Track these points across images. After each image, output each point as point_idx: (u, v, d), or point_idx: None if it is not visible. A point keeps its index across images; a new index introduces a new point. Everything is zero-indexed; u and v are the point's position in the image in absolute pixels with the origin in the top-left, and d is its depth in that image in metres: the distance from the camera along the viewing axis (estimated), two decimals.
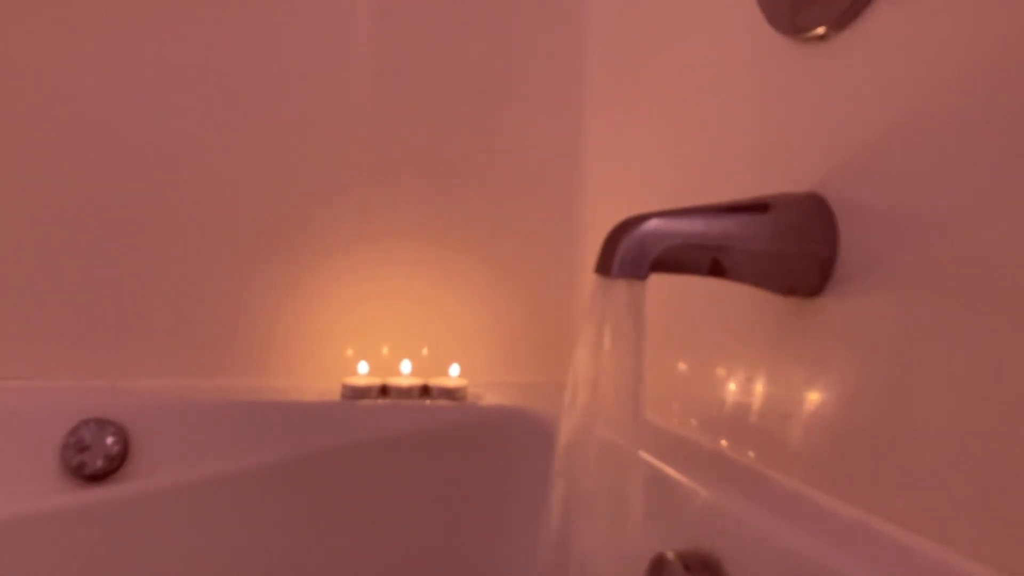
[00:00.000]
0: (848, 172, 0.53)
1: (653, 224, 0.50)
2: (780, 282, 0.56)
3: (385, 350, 1.09)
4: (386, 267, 1.10)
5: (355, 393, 0.98)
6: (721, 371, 0.69)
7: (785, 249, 0.54)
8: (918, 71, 0.48)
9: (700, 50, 0.76)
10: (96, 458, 0.89)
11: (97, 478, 0.89)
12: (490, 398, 1.01)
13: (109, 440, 0.89)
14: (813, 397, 0.56)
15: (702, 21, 0.76)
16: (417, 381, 1.01)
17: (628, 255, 0.49)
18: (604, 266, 0.50)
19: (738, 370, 0.66)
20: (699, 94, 0.77)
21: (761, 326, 0.63)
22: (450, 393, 0.99)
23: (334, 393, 0.99)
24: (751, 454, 0.63)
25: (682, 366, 0.76)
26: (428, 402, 0.98)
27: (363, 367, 1.05)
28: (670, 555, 0.56)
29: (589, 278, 0.56)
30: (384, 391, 1.00)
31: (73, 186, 1.02)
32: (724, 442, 0.67)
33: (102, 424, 0.90)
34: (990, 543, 0.41)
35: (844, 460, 0.52)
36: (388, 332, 1.09)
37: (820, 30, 0.56)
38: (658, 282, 0.51)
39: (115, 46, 1.02)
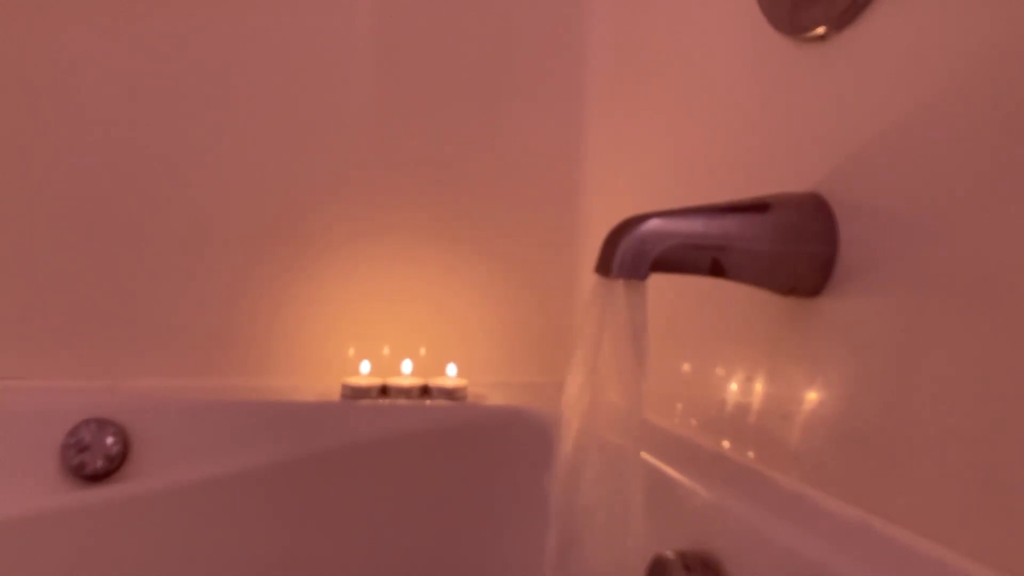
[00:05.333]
0: (848, 172, 0.53)
1: (653, 224, 0.50)
2: (780, 282, 0.56)
3: (386, 350, 1.09)
4: (386, 267, 1.10)
5: (355, 393, 0.98)
6: (721, 371, 0.69)
7: (785, 249, 0.54)
8: (918, 71, 0.48)
9: (700, 50, 0.76)
10: (96, 458, 0.89)
11: (97, 478, 0.89)
12: (490, 398, 1.01)
13: (109, 440, 0.89)
14: (813, 397, 0.56)
15: (702, 21, 0.76)
16: (417, 381, 1.01)
17: (628, 255, 0.49)
18: (604, 266, 0.50)
19: (738, 370, 0.66)
20: (699, 94, 0.77)
21: (761, 326, 0.63)
22: (450, 393, 0.99)
23: (334, 393, 0.99)
24: (751, 454, 0.63)
25: (682, 366, 0.76)
26: (428, 402, 0.98)
27: (365, 366, 1.05)
28: (670, 555, 0.56)
29: (589, 278, 0.56)
30: (384, 391, 1.00)
31: (73, 186, 1.02)
32: (726, 443, 0.67)
33: (102, 424, 0.90)
34: (990, 543, 0.41)
35: (844, 460, 0.52)
36: (388, 332, 1.09)
37: (820, 30, 0.56)
38: (658, 282, 0.51)
39: (114, 46, 1.02)
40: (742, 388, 0.65)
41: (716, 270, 0.52)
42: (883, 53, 0.51)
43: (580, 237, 1.12)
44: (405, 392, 0.99)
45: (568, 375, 0.51)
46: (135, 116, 1.03)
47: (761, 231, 0.53)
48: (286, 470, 0.92)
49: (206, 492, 0.90)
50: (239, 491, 0.91)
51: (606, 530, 0.50)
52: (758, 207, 0.54)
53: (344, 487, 0.94)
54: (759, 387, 0.63)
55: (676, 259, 0.51)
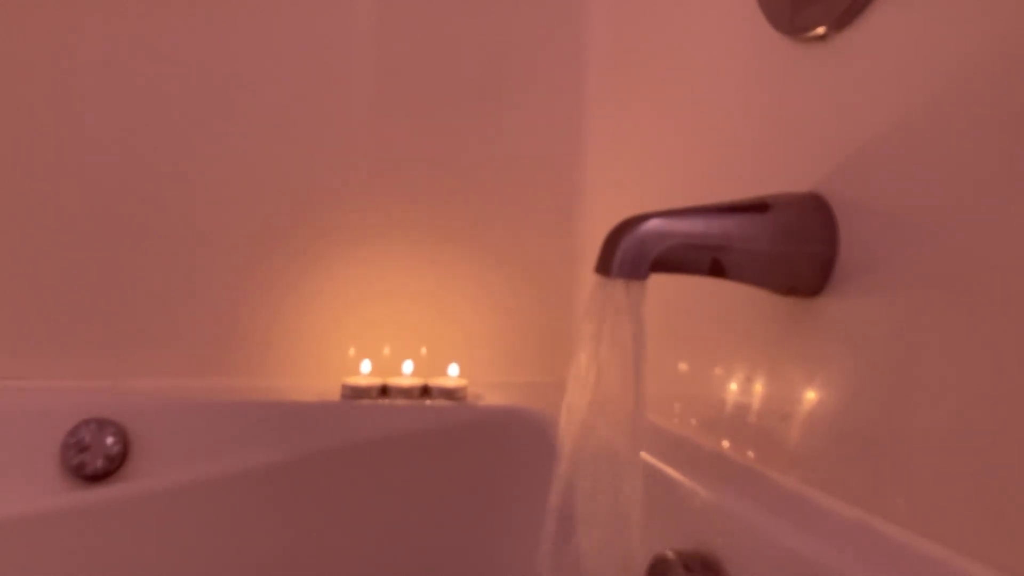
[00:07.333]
0: (848, 172, 0.53)
1: (653, 224, 0.50)
2: (780, 282, 0.56)
3: (386, 350, 1.09)
4: (386, 267, 1.10)
5: (355, 393, 0.98)
6: (721, 371, 0.69)
7: (785, 249, 0.53)
8: (918, 71, 0.48)
9: (700, 50, 0.76)
10: (96, 458, 0.89)
11: (97, 478, 0.89)
12: (490, 398, 1.01)
13: (109, 440, 0.89)
14: (813, 397, 0.56)
15: (702, 21, 0.76)
16: (417, 381, 1.01)
17: (628, 255, 0.49)
18: (604, 266, 0.50)
19: (738, 370, 0.66)
20: (699, 94, 0.77)
21: (761, 326, 0.63)
22: (450, 393, 0.99)
23: (334, 393, 0.99)
24: (751, 454, 0.63)
25: (682, 366, 0.76)
26: (428, 402, 0.98)
27: (365, 366, 1.05)
28: (670, 555, 0.56)
29: (589, 278, 0.56)
30: (384, 391, 1.00)
31: (73, 186, 1.02)
32: (726, 443, 0.67)
33: (102, 424, 0.90)
34: (990, 543, 0.41)
35: (844, 460, 0.52)
36: (388, 332, 1.09)
37: (820, 30, 0.56)
38: (658, 282, 0.51)
39: (115, 47, 1.02)
40: (742, 388, 0.65)
41: (716, 270, 0.52)
42: (883, 53, 0.51)
43: (580, 237, 1.12)
44: (405, 392, 0.99)
45: (568, 375, 0.51)
46: (133, 116, 1.03)
47: (761, 231, 0.52)
48: (286, 470, 0.92)
49: (206, 492, 0.90)
50: (239, 491, 0.91)
51: (606, 530, 0.50)
52: (758, 207, 0.54)
53: (344, 487, 0.94)
54: (759, 387, 0.63)
55: (676, 259, 0.51)
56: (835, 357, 0.54)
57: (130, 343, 1.04)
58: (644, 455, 0.63)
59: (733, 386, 0.67)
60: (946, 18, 0.46)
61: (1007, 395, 0.41)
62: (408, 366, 1.06)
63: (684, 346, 0.76)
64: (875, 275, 0.50)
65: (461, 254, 1.11)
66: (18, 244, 1.01)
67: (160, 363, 1.04)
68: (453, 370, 1.05)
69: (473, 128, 1.11)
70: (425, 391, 1.00)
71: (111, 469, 0.89)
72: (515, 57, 1.12)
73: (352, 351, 1.08)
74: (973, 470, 0.42)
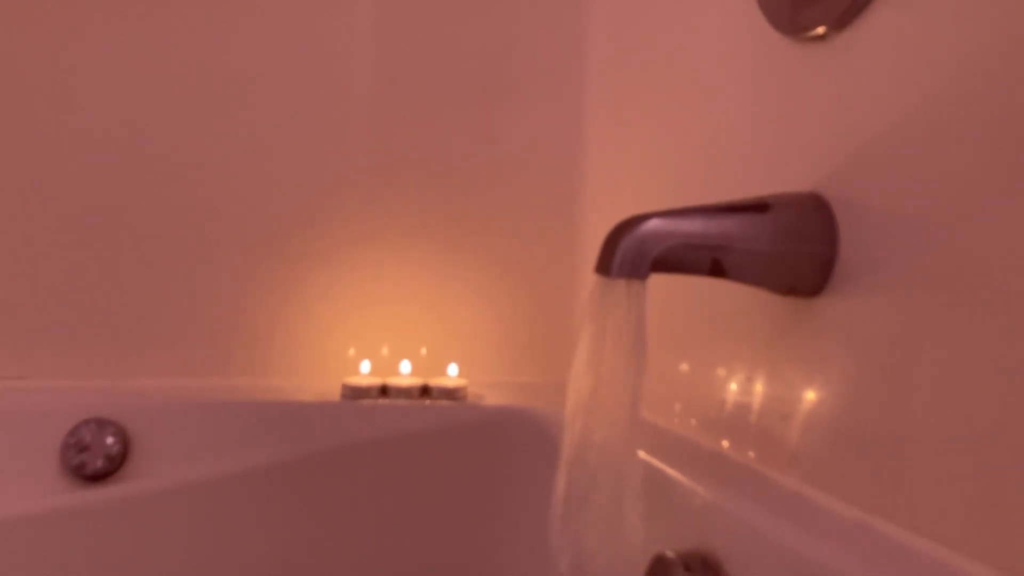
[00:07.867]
0: (848, 172, 0.53)
1: (653, 224, 0.50)
2: (780, 282, 0.56)
3: (385, 350, 1.09)
4: (386, 267, 1.10)
5: (355, 393, 0.98)
6: (721, 371, 0.69)
7: (785, 249, 0.54)
8: (918, 71, 0.48)
9: (700, 50, 0.76)
10: (96, 458, 0.89)
11: (97, 478, 0.89)
12: (490, 398, 1.01)
13: (109, 440, 0.89)
14: (813, 397, 0.56)
15: (702, 21, 0.76)
16: (417, 381, 1.01)
17: (628, 255, 0.49)
18: (604, 266, 0.50)
19: (738, 370, 0.66)
20: (699, 94, 0.77)
21: (761, 326, 0.63)
22: (450, 393, 0.99)
23: (334, 393, 0.99)
24: (751, 454, 0.63)
25: (682, 366, 0.76)
26: (428, 402, 0.98)
27: (365, 367, 1.05)
28: (670, 555, 0.56)
29: (589, 278, 0.56)
30: (384, 391, 1.00)
31: (74, 186, 1.02)
32: (726, 443, 0.67)
33: (102, 424, 0.90)
34: (990, 543, 0.41)
35: (844, 460, 0.52)
36: (388, 332, 1.09)
37: (820, 30, 0.56)
38: (658, 282, 0.51)
39: (116, 46, 1.02)
40: (742, 388, 0.65)
41: (716, 270, 0.52)
42: (883, 53, 0.51)
43: (580, 237, 1.12)
44: (405, 392, 0.99)
45: (568, 375, 0.51)
46: (134, 116, 1.03)
47: (761, 231, 0.53)
48: (286, 470, 0.92)
49: (206, 492, 0.90)
50: (239, 491, 0.91)
51: (606, 530, 0.50)
52: (758, 207, 0.54)
53: (344, 487, 0.94)
54: (759, 387, 0.63)
55: (676, 259, 0.51)
56: (835, 357, 0.54)
57: (130, 343, 1.04)
58: (644, 455, 0.63)
59: (733, 386, 0.67)
60: (946, 18, 0.46)
61: (1007, 395, 0.41)
62: (406, 366, 1.06)
63: (684, 346, 0.76)
64: (875, 275, 0.50)
65: (461, 254, 1.11)
66: (18, 243, 1.01)
67: (160, 363, 1.04)
68: (453, 370, 1.05)
69: (473, 129, 1.11)
70: (425, 391, 1.00)
71: (111, 469, 0.89)
72: (515, 58, 1.12)
73: (352, 351, 1.08)
74: (973, 470, 0.42)
